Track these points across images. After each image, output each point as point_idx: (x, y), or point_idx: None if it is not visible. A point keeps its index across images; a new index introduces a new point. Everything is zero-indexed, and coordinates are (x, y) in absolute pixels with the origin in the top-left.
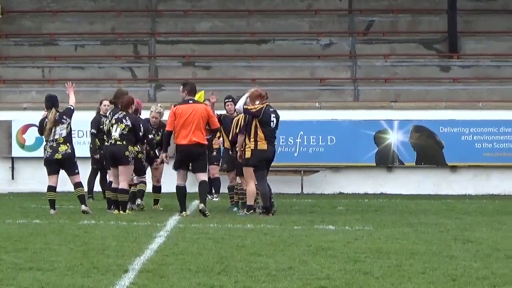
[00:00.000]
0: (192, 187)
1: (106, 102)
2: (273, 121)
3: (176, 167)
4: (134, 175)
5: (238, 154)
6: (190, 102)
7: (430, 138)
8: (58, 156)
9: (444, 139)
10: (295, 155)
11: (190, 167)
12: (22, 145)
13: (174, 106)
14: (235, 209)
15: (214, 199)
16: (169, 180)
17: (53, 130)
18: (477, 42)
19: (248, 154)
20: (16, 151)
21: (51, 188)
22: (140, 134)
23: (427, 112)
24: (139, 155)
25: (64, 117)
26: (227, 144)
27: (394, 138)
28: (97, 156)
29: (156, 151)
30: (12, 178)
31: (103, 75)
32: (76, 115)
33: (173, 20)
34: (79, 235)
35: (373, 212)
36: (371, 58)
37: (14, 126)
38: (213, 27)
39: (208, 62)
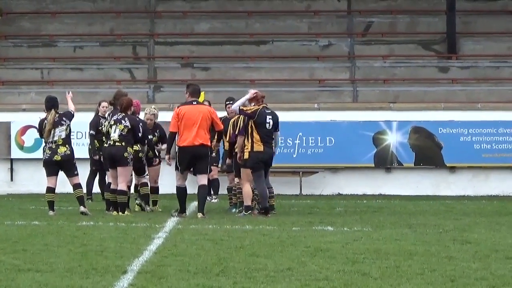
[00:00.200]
0: (192, 189)
1: (104, 104)
2: (268, 123)
3: (181, 169)
4: (134, 175)
5: (238, 155)
6: (194, 103)
7: (429, 139)
8: (57, 157)
9: (443, 140)
10: (294, 156)
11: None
12: (21, 147)
13: (178, 107)
14: (234, 210)
15: (213, 200)
16: (168, 181)
17: (52, 132)
18: (475, 43)
19: (246, 155)
20: (15, 153)
21: (50, 190)
22: (140, 135)
23: (426, 113)
24: (140, 154)
25: (64, 118)
26: (227, 146)
27: (393, 139)
28: (96, 157)
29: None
30: (11, 179)
31: (102, 76)
32: (75, 116)
33: (172, 21)
34: (78, 236)
35: (372, 213)
36: (370, 59)
37: (13, 127)
38: (212, 28)
39: (207, 63)
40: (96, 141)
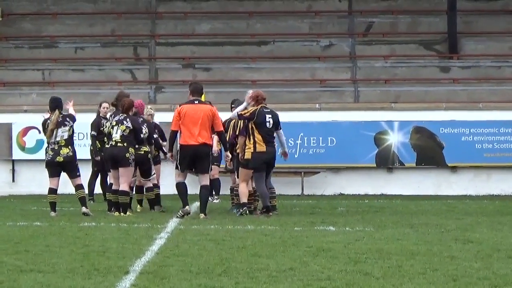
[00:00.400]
0: (193, 189)
1: (105, 104)
2: (268, 122)
3: (182, 167)
4: (139, 177)
5: (240, 155)
6: (195, 102)
7: (430, 139)
8: (59, 158)
9: (444, 140)
10: (296, 156)
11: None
12: (22, 148)
13: (179, 106)
14: (235, 210)
15: (214, 200)
16: (168, 181)
17: (54, 132)
18: (477, 42)
19: (247, 156)
20: (17, 154)
21: (52, 191)
22: (141, 136)
23: (427, 113)
24: (149, 155)
25: (68, 119)
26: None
27: (394, 139)
28: (98, 158)
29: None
30: (13, 180)
31: (103, 77)
32: (76, 117)
33: (173, 22)
34: (80, 237)
35: (374, 213)
36: (371, 59)
37: (14, 128)
38: (213, 29)
39: (208, 64)
40: (97, 142)
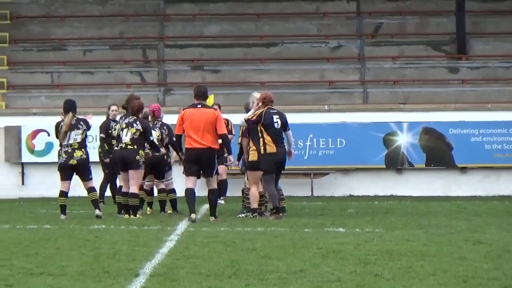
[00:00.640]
0: (200, 190)
1: (114, 107)
2: (276, 122)
3: (187, 172)
4: (152, 180)
5: (245, 157)
6: (198, 106)
7: (440, 140)
8: (73, 161)
9: (454, 141)
10: (305, 158)
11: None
12: (31, 151)
13: (183, 109)
14: (244, 212)
15: (220, 201)
16: (177, 184)
17: (68, 135)
18: (485, 43)
19: (252, 157)
20: (26, 157)
21: (63, 194)
22: (151, 138)
23: (436, 113)
24: (165, 157)
25: (81, 123)
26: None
27: (404, 140)
28: (107, 160)
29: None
30: (22, 183)
31: (112, 80)
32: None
33: (181, 24)
34: (90, 239)
35: (383, 214)
36: (379, 60)
37: (23, 131)
38: (221, 30)
39: (217, 66)
40: (105, 144)
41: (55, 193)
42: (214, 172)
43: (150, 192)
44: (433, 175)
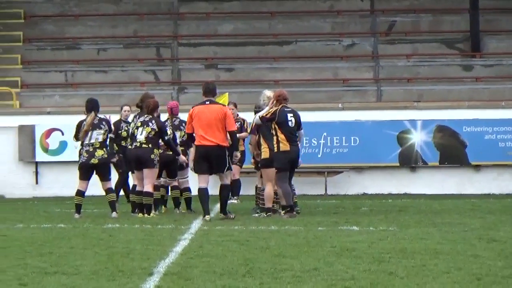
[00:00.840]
0: (213, 189)
1: (126, 108)
2: (290, 121)
3: (196, 169)
4: (166, 178)
5: (255, 153)
6: (206, 103)
7: (453, 138)
8: (94, 161)
9: (467, 139)
10: (319, 156)
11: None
12: (45, 150)
13: (192, 108)
14: (258, 211)
15: (233, 201)
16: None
17: (89, 134)
18: (499, 41)
19: (264, 155)
20: (40, 156)
21: (80, 193)
22: (166, 138)
23: (450, 111)
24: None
25: (104, 123)
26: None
27: (417, 138)
28: (114, 160)
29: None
30: (36, 182)
31: (126, 78)
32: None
33: (195, 23)
34: (104, 238)
35: (397, 212)
36: (393, 58)
37: (37, 130)
38: (235, 29)
39: (231, 64)
40: (114, 144)
41: (69, 192)
42: (226, 169)
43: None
44: (447, 173)
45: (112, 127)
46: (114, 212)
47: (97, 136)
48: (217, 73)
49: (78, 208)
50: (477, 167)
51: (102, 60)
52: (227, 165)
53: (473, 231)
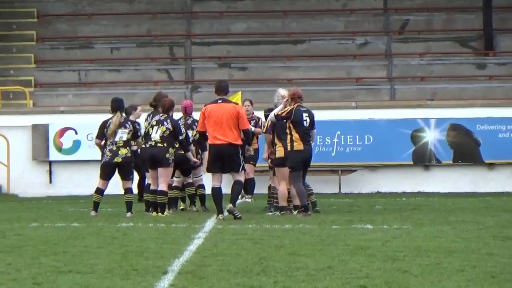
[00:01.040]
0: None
1: (140, 108)
2: (305, 120)
3: (209, 168)
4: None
5: (269, 152)
6: (219, 101)
7: (467, 136)
8: (118, 159)
9: (481, 137)
10: (333, 155)
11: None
12: (59, 149)
13: (204, 106)
14: (272, 210)
15: (247, 199)
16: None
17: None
18: None
19: (279, 154)
20: (54, 155)
21: (99, 191)
22: (180, 137)
23: (464, 110)
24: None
25: (129, 122)
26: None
27: (431, 137)
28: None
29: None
30: (50, 181)
31: (139, 78)
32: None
33: (208, 22)
34: (118, 237)
35: (411, 210)
36: (407, 56)
37: (51, 129)
38: (248, 28)
39: (244, 63)
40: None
41: (83, 191)
42: (240, 168)
43: (181, 188)
44: (461, 171)
45: (139, 129)
46: (129, 213)
47: (122, 135)
48: (230, 72)
49: (95, 206)
50: (491, 165)
51: (115, 59)
52: (241, 164)
53: (487, 229)
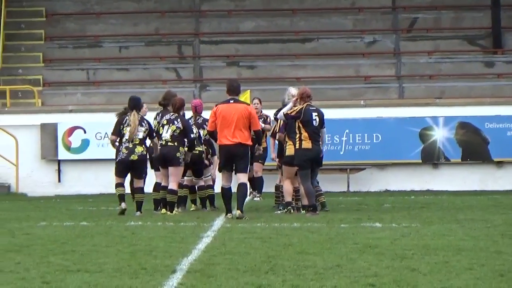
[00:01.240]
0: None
1: (145, 105)
2: (315, 120)
3: (220, 168)
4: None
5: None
6: (230, 101)
7: (476, 134)
8: (134, 157)
9: (490, 135)
10: (341, 153)
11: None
12: (68, 148)
13: (216, 105)
14: (280, 208)
15: (256, 198)
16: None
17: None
18: None
19: (289, 152)
20: (62, 154)
21: (120, 185)
22: (192, 136)
23: (472, 108)
24: (203, 155)
25: (145, 121)
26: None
27: (440, 135)
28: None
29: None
30: (59, 180)
31: (148, 76)
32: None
33: (216, 20)
34: (127, 236)
35: (420, 208)
36: (415, 55)
37: (60, 128)
38: (256, 26)
39: (252, 62)
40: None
41: (91, 190)
42: (247, 170)
43: (192, 189)
44: (469, 169)
45: (153, 130)
46: (139, 212)
47: (138, 133)
48: (239, 71)
49: (121, 198)
50: (500, 164)
51: (123, 58)
52: (248, 166)
53: (495, 227)
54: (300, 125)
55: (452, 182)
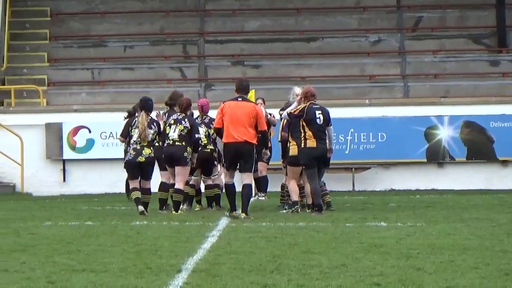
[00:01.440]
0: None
1: None
2: (319, 118)
3: (226, 165)
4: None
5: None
6: (238, 99)
7: (481, 133)
8: (141, 158)
9: (495, 134)
10: (346, 152)
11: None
12: (73, 147)
13: (223, 103)
14: (285, 207)
15: (261, 197)
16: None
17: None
18: None
19: (293, 152)
20: (67, 153)
21: (135, 189)
22: (195, 136)
23: (477, 107)
24: (214, 154)
25: (154, 123)
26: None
27: (445, 134)
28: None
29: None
30: (64, 180)
31: (153, 76)
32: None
33: (221, 20)
34: (132, 236)
35: (425, 208)
36: (420, 54)
37: (64, 128)
38: (261, 25)
39: (257, 61)
40: None
41: (96, 190)
42: (252, 169)
43: (197, 189)
44: (475, 168)
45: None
46: (144, 210)
47: (148, 135)
48: (244, 70)
49: (137, 201)
50: (505, 163)
51: (128, 57)
52: (253, 165)
53: (501, 226)
54: (304, 124)
55: (457, 181)
